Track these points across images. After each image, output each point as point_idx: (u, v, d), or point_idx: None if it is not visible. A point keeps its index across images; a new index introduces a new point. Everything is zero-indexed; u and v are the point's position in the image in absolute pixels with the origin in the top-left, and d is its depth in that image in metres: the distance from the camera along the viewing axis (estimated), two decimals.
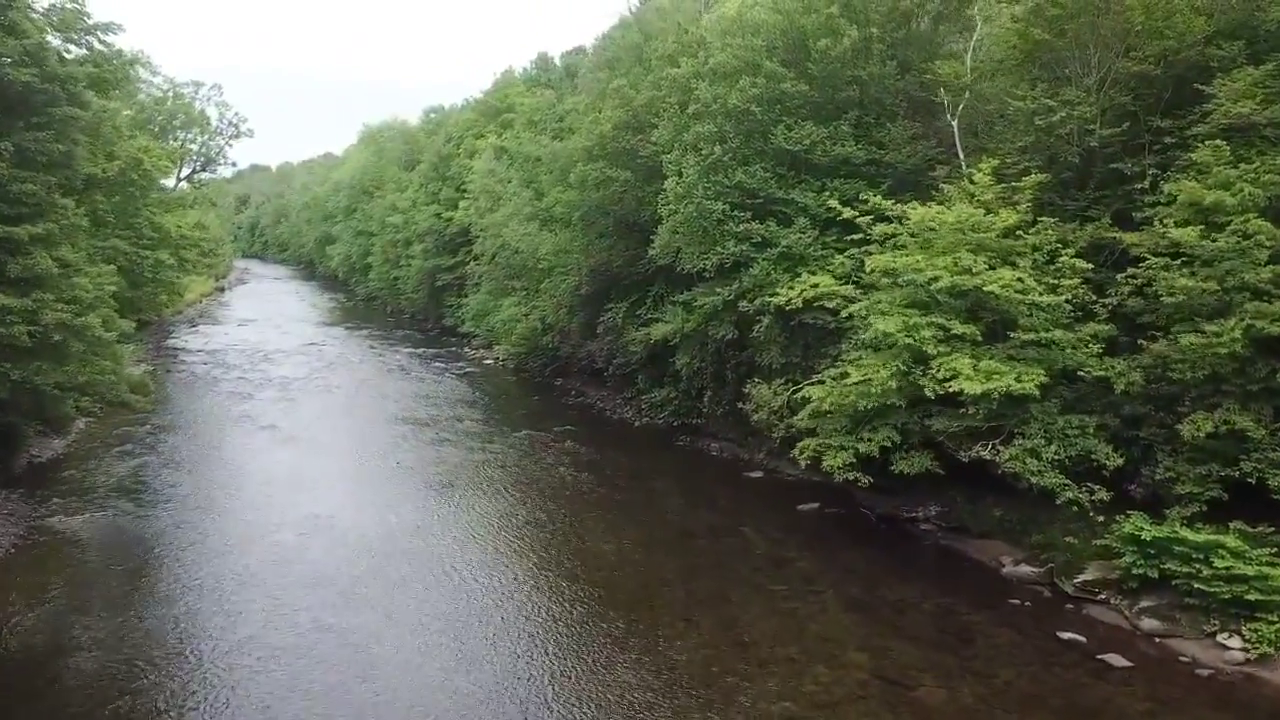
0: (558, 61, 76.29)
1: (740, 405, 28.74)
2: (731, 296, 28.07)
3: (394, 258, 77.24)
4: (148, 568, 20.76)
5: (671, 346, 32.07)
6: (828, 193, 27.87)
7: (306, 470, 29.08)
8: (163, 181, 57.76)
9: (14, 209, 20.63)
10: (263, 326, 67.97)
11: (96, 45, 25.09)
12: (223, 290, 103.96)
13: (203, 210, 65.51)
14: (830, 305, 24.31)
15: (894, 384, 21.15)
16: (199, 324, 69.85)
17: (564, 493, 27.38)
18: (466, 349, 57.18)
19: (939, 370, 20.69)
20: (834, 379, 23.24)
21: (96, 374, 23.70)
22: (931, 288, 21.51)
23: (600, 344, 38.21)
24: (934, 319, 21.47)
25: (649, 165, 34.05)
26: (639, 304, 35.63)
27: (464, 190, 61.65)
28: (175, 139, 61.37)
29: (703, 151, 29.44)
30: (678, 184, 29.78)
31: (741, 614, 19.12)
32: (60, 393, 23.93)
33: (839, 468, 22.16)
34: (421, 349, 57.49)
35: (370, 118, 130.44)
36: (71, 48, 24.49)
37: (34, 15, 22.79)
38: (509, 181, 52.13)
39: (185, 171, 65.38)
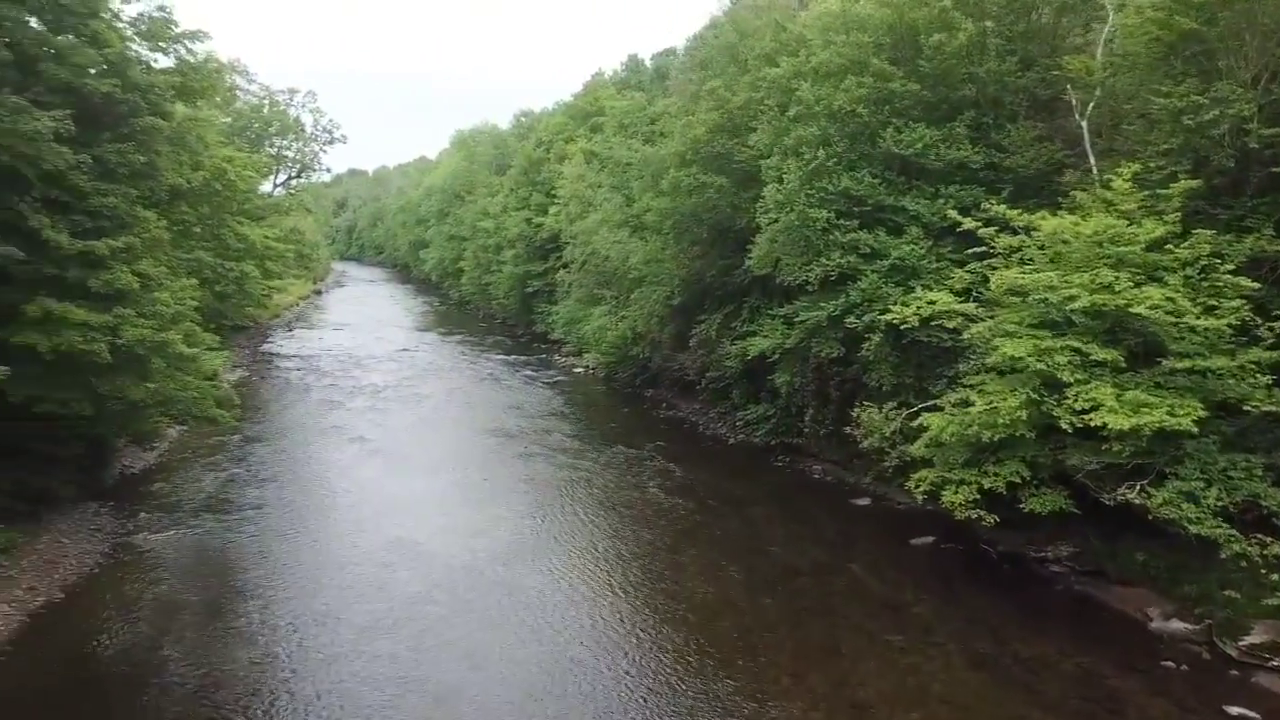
0: (648, 63, 75.15)
1: (845, 427, 26.91)
2: (837, 311, 26.23)
3: (485, 263, 77.12)
4: (227, 597, 20.03)
5: (770, 362, 30.30)
6: (942, 200, 25.85)
7: (392, 489, 28.30)
8: (261, 188, 58.67)
9: (95, 222, 20.18)
10: (356, 331, 68.47)
11: (184, 54, 24.62)
12: (320, 293, 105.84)
13: (298, 216, 66.10)
14: (949, 325, 22.27)
15: (1023, 414, 19.10)
16: (295, 328, 70.84)
17: (657, 519, 25.94)
18: (556, 356, 56.40)
19: (1076, 400, 18.57)
20: (954, 406, 21.24)
21: (178, 390, 23.15)
22: (1067, 308, 19.38)
23: (692, 356, 36.68)
24: (1069, 342, 19.36)
25: (745, 170, 32.38)
26: (734, 316, 34.00)
27: (554, 196, 60.91)
28: (271, 146, 62.05)
29: (804, 156, 27.67)
30: (777, 190, 28.07)
31: (854, 669, 17.39)
32: (144, 408, 23.50)
33: (960, 505, 20.18)
34: (511, 356, 56.89)
35: (463, 121, 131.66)
36: (159, 57, 24.15)
37: (120, 25, 22.41)
38: (599, 187, 51.06)
39: (281, 178, 66.20)
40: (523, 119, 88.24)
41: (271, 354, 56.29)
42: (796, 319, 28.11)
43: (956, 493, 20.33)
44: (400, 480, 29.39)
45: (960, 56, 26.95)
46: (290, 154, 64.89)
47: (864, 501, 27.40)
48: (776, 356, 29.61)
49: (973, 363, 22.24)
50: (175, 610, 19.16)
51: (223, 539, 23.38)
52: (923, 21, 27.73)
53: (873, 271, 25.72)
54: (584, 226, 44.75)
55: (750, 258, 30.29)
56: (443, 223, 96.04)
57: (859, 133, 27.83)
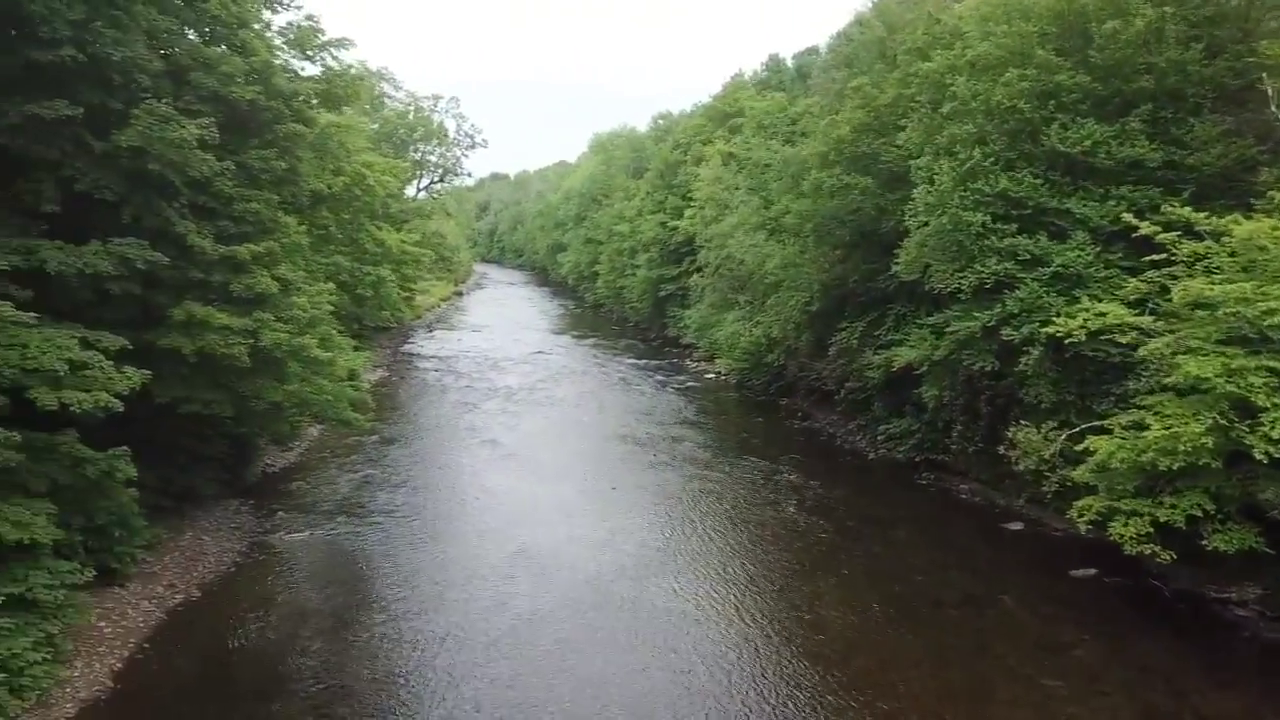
0: (789, 63, 73.53)
1: (996, 445, 25.01)
2: (992, 322, 24.33)
3: (620, 266, 77.16)
4: (354, 606, 19.95)
5: (916, 374, 28.53)
6: (1113, 201, 23.65)
7: (521, 495, 28.04)
8: (405, 192, 60.23)
9: (238, 227, 20.53)
10: (494, 332, 69.53)
11: (329, 61, 24.99)
12: (461, 295, 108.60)
13: (439, 220, 67.63)
14: (1122, 340, 20.21)
15: (1208, 441, 17.02)
16: (436, 329, 72.53)
17: (792, 540, 24.70)
18: (688, 361, 55.62)
19: (1273, 427, 16.41)
20: (1125, 428, 19.21)
21: (314, 393, 23.41)
22: (1264, 323, 17.17)
23: (831, 365, 35.16)
24: (1265, 361, 17.18)
25: (893, 171, 30.70)
26: (877, 324, 32.30)
27: (689, 199, 60.16)
28: (415, 151, 63.67)
29: (959, 155, 25.88)
30: (929, 192, 26.37)
31: (1007, 717, 15.79)
32: (283, 410, 23.90)
33: (1131, 539, 18.20)
34: (644, 360, 56.43)
35: (604, 126, 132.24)
36: (306, 65, 24.55)
37: (269, 34, 22.85)
38: (735, 189, 50.00)
39: (424, 182, 67.90)
40: (661, 122, 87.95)
41: (411, 354, 57.62)
42: (947, 329, 26.30)
43: (1127, 525, 18.36)
44: (529, 486, 29.12)
45: (1136, 45, 24.61)
46: (433, 158, 66.54)
47: (1017, 526, 25.38)
48: (924, 368, 27.82)
49: (1147, 381, 20.16)
50: (305, 616, 19.21)
51: (354, 543, 23.50)
52: (1094, 8, 25.51)
53: (1033, 280, 23.72)
54: (720, 229, 43.75)
55: (897, 262, 28.62)
56: (580, 226, 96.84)
57: (1019, 130, 25.83)
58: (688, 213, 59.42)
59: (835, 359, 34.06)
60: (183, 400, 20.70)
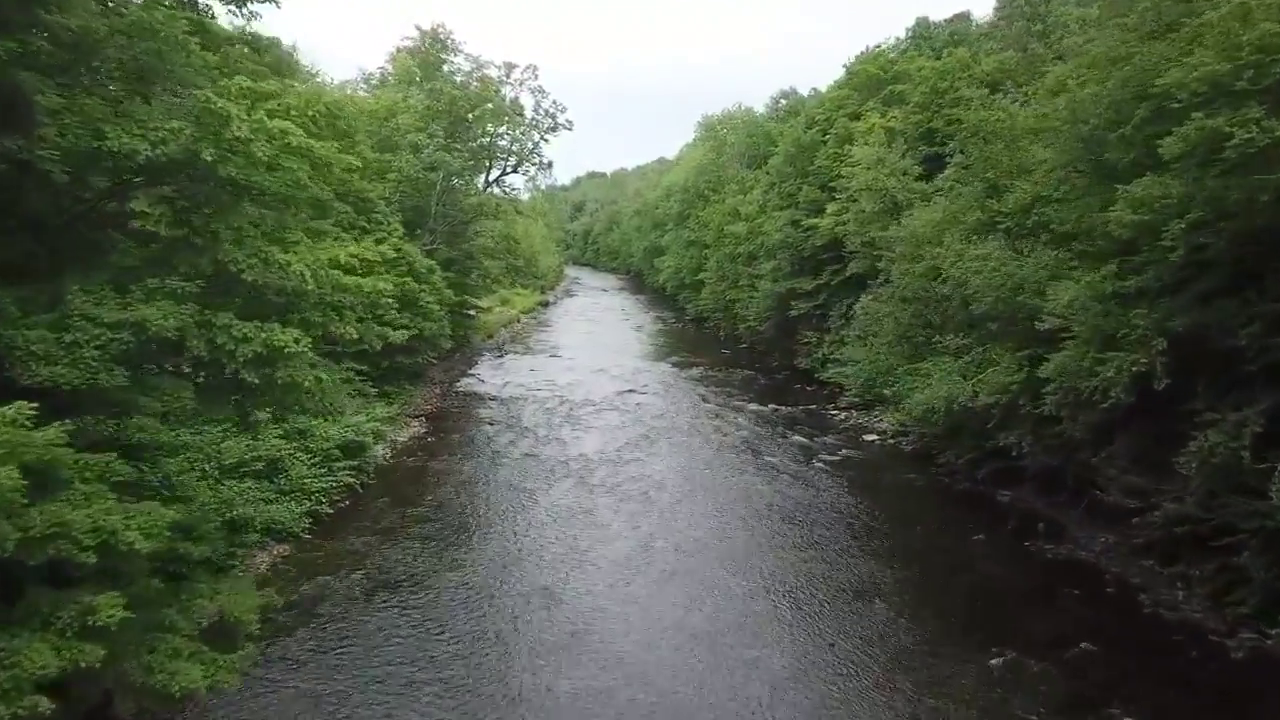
0: (940, 28, 58.07)
1: None
2: None
3: (731, 275, 62.76)
4: None
5: None
6: None
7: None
8: (463, 182, 46.92)
9: None
10: (576, 358, 56.05)
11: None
12: (546, 304, 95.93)
13: (513, 219, 54.30)
14: None
15: None
16: (507, 351, 59.40)
17: None
18: (832, 409, 40.79)
19: None
20: None
21: None
22: None
23: (1139, 471, 20.00)
24: None
25: None
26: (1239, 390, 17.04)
27: (833, 190, 45.30)
28: (481, 132, 49.93)
29: None
30: None
31: None
32: None
33: None
34: (770, 406, 41.67)
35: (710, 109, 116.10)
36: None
37: None
38: (914, 175, 35.03)
39: (494, 174, 54.37)
40: (782, 102, 72.98)
41: (467, 393, 44.22)
42: None
43: None
44: (611, 692, 15.12)
45: None
46: (504, 143, 52.79)
47: None
48: None
49: None
50: None
51: None
52: None
53: None
54: (907, 230, 28.42)
55: None
56: (682, 227, 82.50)
57: None
58: (831, 207, 44.54)
59: (1196, 472, 18.40)
60: None
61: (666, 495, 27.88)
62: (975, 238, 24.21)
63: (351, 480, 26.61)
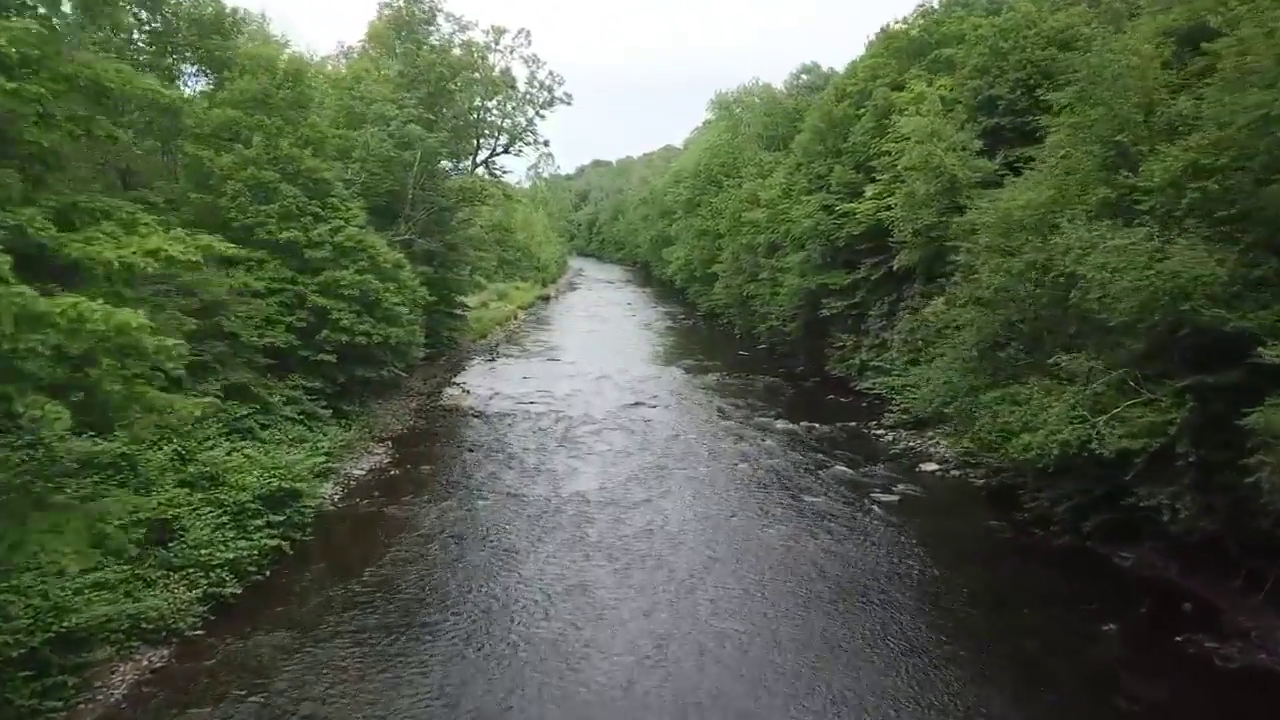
0: None
1: None
2: None
3: (749, 267, 56.35)
4: None
5: None
6: None
7: None
8: (452, 164, 40.55)
9: None
10: (577, 362, 49.85)
11: None
12: (548, 299, 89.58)
13: (492, 208, 47.89)
14: None
15: None
16: (500, 355, 53.08)
17: None
18: (875, 426, 34.52)
19: None
20: None
21: None
22: None
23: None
24: None
25: None
26: None
27: (873, 170, 38.88)
28: (464, 104, 43.34)
29: None
30: None
31: None
32: None
33: None
34: (800, 424, 35.30)
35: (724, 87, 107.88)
36: None
37: None
38: (967, 149, 28.59)
39: (482, 154, 47.84)
40: (804, 77, 66.33)
41: (447, 409, 37.92)
42: None
43: None
44: None
45: None
46: (494, 118, 46.25)
47: None
48: None
49: None
50: None
51: None
52: None
53: None
54: (1004, 211, 21.50)
55: None
56: (692, 215, 75.95)
57: None
58: (870, 190, 38.11)
59: None
60: None
61: (684, 560, 21.57)
62: (1106, 222, 17.79)
63: (274, 543, 20.35)
